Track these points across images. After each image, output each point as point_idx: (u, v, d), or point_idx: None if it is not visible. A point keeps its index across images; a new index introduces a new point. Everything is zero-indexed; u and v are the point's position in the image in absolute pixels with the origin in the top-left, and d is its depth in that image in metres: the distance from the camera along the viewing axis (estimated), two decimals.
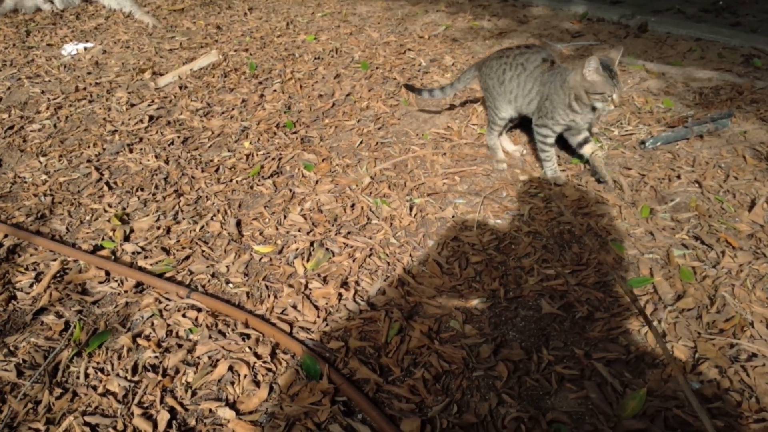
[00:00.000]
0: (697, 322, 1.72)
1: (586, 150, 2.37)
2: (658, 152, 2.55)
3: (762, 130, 2.65)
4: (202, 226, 2.30)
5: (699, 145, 2.57)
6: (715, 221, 2.10)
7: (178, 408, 1.58)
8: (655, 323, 1.71)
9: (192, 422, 1.54)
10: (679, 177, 2.35)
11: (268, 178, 2.58)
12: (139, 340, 1.80)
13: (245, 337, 1.78)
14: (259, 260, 2.11)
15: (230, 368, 1.68)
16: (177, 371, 1.69)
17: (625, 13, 4.29)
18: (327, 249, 2.13)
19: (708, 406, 1.48)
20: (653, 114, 2.86)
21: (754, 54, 3.51)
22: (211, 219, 2.34)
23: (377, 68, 3.64)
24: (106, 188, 2.58)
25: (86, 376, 1.70)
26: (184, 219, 2.35)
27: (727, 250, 1.96)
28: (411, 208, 2.32)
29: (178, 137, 2.96)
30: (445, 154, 2.67)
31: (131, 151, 2.87)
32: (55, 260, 2.16)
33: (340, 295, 1.92)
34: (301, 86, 3.46)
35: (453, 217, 2.26)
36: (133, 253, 2.18)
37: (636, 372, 1.58)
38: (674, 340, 1.66)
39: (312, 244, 2.16)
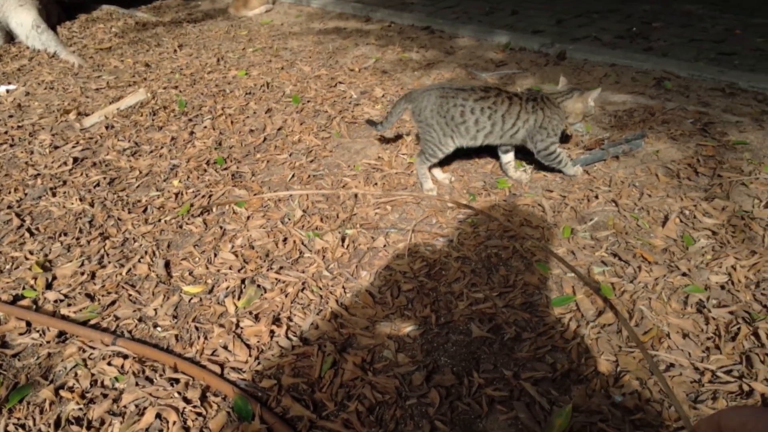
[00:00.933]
0: (617, 336, 1.79)
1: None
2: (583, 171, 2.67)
3: (673, 148, 2.82)
4: (129, 269, 2.24)
5: (615, 165, 2.71)
6: (632, 238, 2.21)
7: None
8: (578, 340, 1.78)
9: None
10: (597, 197, 2.47)
11: (198, 216, 2.55)
12: (62, 392, 1.72)
13: (174, 381, 1.73)
14: (189, 301, 2.07)
15: (158, 415, 1.63)
16: (102, 422, 1.63)
17: (545, 42, 4.49)
18: (259, 285, 2.11)
19: (631, 418, 1.53)
20: (572, 137, 3.00)
21: (665, 77, 3.74)
22: (139, 261, 2.28)
23: (309, 102, 3.68)
24: (27, 235, 2.49)
25: None
26: (109, 263, 2.28)
27: (643, 265, 2.06)
28: (343, 240, 2.33)
29: (104, 178, 2.89)
30: (376, 184, 2.71)
31: (54, 194, 2.78)
32: None
33: (272, 332, 1.90)
34: (232, 122, 3.45)
35: (385, 246, 2.29)
36: (55, 301, 2.10)
37: (562, 389, 1.63)
38: (597, 355, 1.72)
39: (243, 281, 2.14)
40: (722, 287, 1.95)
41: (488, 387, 1.65)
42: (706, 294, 1.92)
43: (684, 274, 2.01)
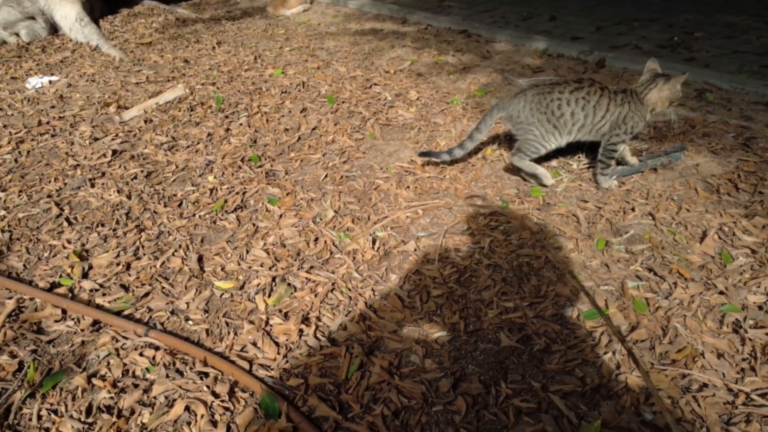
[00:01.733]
0: (650, 353, 1.76)
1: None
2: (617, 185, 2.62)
3: (713, 162, 2.75)
4: (163, 262, 2.28)
5: (653, 177, 2.66)
6: (668, 253, 2.16)
7: None
8: (609, 354, 1.75)
9: None
10: (633, 209, 2.42)
11: (232, 212, 2.58)
12: (95, 381, 1.76)
13: (203, 375, 1.76)
14: (220, 296, 2.10)
15: (187, 408, 1.65)
16: (132, 412, 1.66)
17: (583, 49, 4.44)
18: (289, 284, 2.13)
19: None
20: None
21: (707, 89, 3.66)
22: (173, 254, 2.32)
23: (343, 102, 3.69)
24: (65, 224, 2.55)
25: (39, 418, 1.66)
26: (144, 255, 2.33)
27: (679, 281, 2.02)
28: (374, 242, 2.34)
29: (142, 171, 2.95)
30: (408, 187, 2.71)
31: (93, 185, 2.85)
32: (10, 298, 2.11)
33: (300, 331, 1.91)
34: (267, 120, 3.48)
35: (415, 250, 2.28)
36: (91, 290, 2.15)
37: (591, 404, 1.61)
38: (628, 371, 1.69)
39: (274, 279, 2.16)
40: (760, 308, 1.90)
41: (516, 398, 1.64)
42: (743, 314, 1.87)
43: (721, 293, 1.96)
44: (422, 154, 2.83)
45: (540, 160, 2.67)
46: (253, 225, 2.49)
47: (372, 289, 2.09)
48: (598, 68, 4.11)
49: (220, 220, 2.53)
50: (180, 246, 2.37)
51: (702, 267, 2.09)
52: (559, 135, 2.53)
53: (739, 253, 2.15)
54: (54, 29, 5.68)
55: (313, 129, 3.36)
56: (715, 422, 1.54)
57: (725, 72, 3.92)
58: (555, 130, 2.51)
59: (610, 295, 1.98)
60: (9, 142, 3.35)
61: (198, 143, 3.23)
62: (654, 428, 1.53)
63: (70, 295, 2.13)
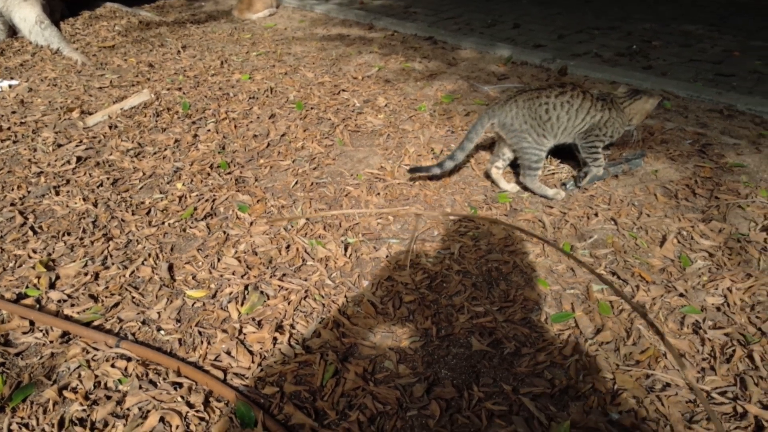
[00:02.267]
0: (615, 354, 1.83)
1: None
2: (577, 191, 2.70)
3: (671, 169, 2.86)
4: (133, 271, 2.26)
5: (614, 184, 2.75)
6: (630, 257, 2.25)
7: None
8: (576, 356, 1.81)
9: None
10: (596, 215, 2.51)
11: (202, 220, 2.57)
12: (66, 393, 1.74)
13: (177, 386, 1.75)
14: (192, 305, 2.09)
15: (161, 419, 1.65)
16: (106, 424, 1.65)
17: (546, 57, 4.55)
18: (262, 292, 2.14)
19: None
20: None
21: (664, 96, 3.79)
22: (142, 263, 2.30)
23: (312, 108, 3.71)
24: (30, 233, 2.50)
25: None
26: (113, 264, 2.30)
27: (641, 284, 2.10)
28: (346, 249, 2.36)
29: (108, 179, 2.91)
30: (378, 194, 2.74)
31: (58, 193, 2.79)
32: None
33: (275, 339, 1.92)
34: (235, 126, 3.47)
35: (387, 257, 2.31)
36: (59, 301, 2.11)
37: (560, 405, 1.66)
38: (594, 373, 1.75)
39: (246, 287, 2.16)
40: (718, 309, 1.99)
41: (488, 401, 1.68)
42: (703, 315, 1.96)
43: (681, 295, 2.05)
44: (412, 171, 2.78)
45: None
46: (224, 233, 2.48)
47: (345, 296, 2.11)
48: (561, 76, 4.22)
49: (190, 227, 2.52)
50: (149, 255, 2.34)
51: (662, 270, 2.18)
52: (546, 139, 2.58)
53: (697, 256, 2.25)
54: (12, 31, 5.53)
55: (282, 135, 3.36)
56: (678, 420, 1.61)
57: (682, 80, 4.08)
58: (544, 135, 2.56)
59: (576, 298, 2.05)
60: None
61: (165, 149, 3.20)
62: (621, 428, 1.59)
63: (38, 306, 2.10)
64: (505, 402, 1.68)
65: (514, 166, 2.81)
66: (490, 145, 3.14)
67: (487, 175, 2.81)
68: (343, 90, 4.01)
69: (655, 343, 1.85)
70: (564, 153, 2.93)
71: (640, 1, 6.60)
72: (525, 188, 2.70)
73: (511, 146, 2.63)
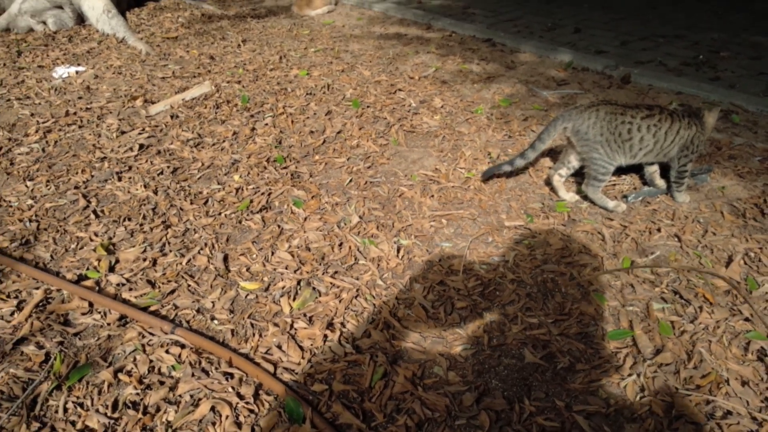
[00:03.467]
0: (674, 377, 1.76)
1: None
2: (638, 204, 2.62)
3: (739, 186, 2.74)
4: (189, 260, 2.30)
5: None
6: (694, 276, 2.16)
7: None
8: (634, 376, 1.75)
9: None
10: (659, 230, 2.42)
11: (257, 213, 2.60)
12: (121, 376, 1.78)
13: (229, 376, 1.77)
14: (245, 297, 2.12)
15: (212, 408, 1.67)
16: (158, 409, 1.68)
17: (609, 63, 4.43)
18: (314, 288, 2.14)
19: None
20: None
21: (733, 110, 3.64)
22: (198, 252, 2.34)
23: (368, 107, 3.71)
24: (92, 216, 2.58)
25: (65, 410, 1.68)
26: (170, 251, 2.35)
27: (704, 305, 2.01)
28: (398, 250, 2.35)
29: (168, 167, 2.97)
30: (432, 196, 2.72)
31: (120, 179, 2.88)
32: (38, 289, 2.14)
33: (325, 336, 1.93)
34: (292, 121, 3.50)
35: (440, 260, 2.29)
36: (117, 284, 2.17)
37: (615, 426, 1.61)
38: (652, 395, 1.69)
39: (299, 282, 2.17)
40: None
41: (539, 416, 1.64)
42: None
43: (746, 319, 1.96)
44: (485, 174, 2.78)
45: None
46: (278, 227, 2.50)
47: (396, 298, 2.10)
48: (624, 84, 4.10)
49: (246, 220, 2.55)
50: (206, 244, 2.38)
51: (728, 292, 2.08)
52: (621, 157, 2.52)
53: (764, 279, 2.14)
54: (81, 19, 5.74)
55: (338, 132, 3.37)
56: None
57: (751, 93, 3.90)
58: (618, 151, 2.50)
59: (635, 316, 1.98)
60: (37, 131, 3.39)
61: (224, 141, 3.25)
62: None
63: (97, 288, 2.16)
64: (558, 418, 1.63)
65: (576, 175, 2.74)
66: (549, 152, 3.07)
67: (548, 182, 2.75)
68: (400, 89, 4.00)
69: (717, 369, 1.77)
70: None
71: (708, 10, 6.36)
72: (585, 198, 2.63)
73: (579, 154, 2.57)
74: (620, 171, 2.89)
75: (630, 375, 1.75)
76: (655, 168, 2.72)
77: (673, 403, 1.67)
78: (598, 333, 1.92)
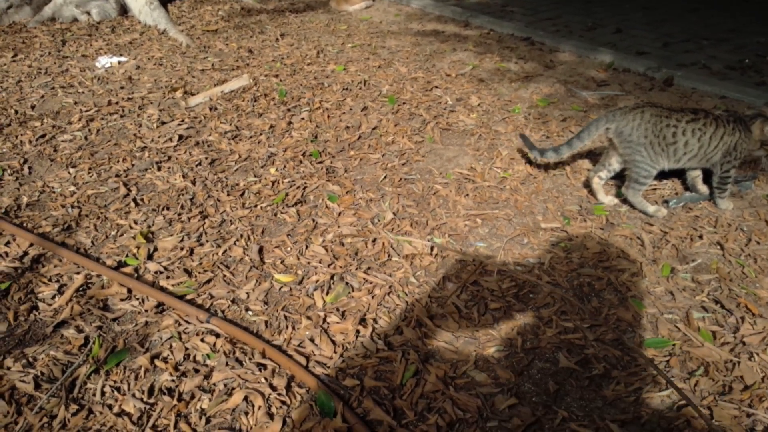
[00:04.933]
0: (713, 387, 1.71)
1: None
2: (680, 210, 2.56)
3: None
4: (225, 251, 2.33)
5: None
6: (736, 285, 2.10)
7: None
8: (671, 387, 1.71)
9: None
10: (701, 237, 2.36)
11: (292, 206, 2.62)
12: (157, 362, 1.81)
13: (262, 367, 1.79)
14: (279, 289, 2.13)
15: (245, 398, 1.69)
16: (192, 396, 1.70)
17: (651, 65, 4.33)
18: (347, 283, 2.15)
19: None
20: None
21: None
22: (234, 244, 2.37)
23: (404, 103, 3.70)
24: (132, 204, 2.63)
25: (102, 394, 1.71)
26: (207, 242, 2.38)
27: (746, 316, 1.96)
28: (432, 248, 2.34)
29: (206, 158, 3.01)
30: (467, 195, 2.70)
31: (159, 169, 2.93)
32: (78, 273, 2.20)
33: (357, 331, 1.93)
34: (328, 116, 3.51)
35: (473, 260, 2.27)
36: (155, 272, 2.21)
37: None
38: (690, 407, 1.65)
39: (332, 277, 2.18)
40: None
41: (573, 422, 1.62)
42: None
43: None
44: (522, 136, 2.78)
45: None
46: (313, 221, 2.51)
47: (429, 296, 2.09)
48: (666, 86, 4.01)
49: (281, 213, 2.57)
50: (241, 236, 2.41)
51: None
52: (664, 160, 2.48)
53: None
54: (124, 10, 5.85)
55: (374, 128, 3.37)
56: None
57: None
58: (662, 154, 2.45)
59: (674, 324, 1.94)
60: (80, 120, 3.46)
61: (260, 134, 3.28)
62: None
63: (136, 275, 2.20)
64: (592, 425, 1.61)
65: (615, 178, 2.69)
66: (588, 154, 3.02)
67: (587, 185, 2.71)
68: (436, 87, 3.98)
69: (759, 381, 1.72)
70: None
71: (754, 13, 6.17)
72: (625, 201, 2.58)
73: (621, 156, 2.52)
74: (662, 175, 2.82)
75: (667, 385, 1.71)
76: (698, 173, 2.65)
77: (711, 414, 1.63)
78: (636, 340, 1.88)
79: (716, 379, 1.74)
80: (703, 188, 2.63)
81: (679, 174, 2.76)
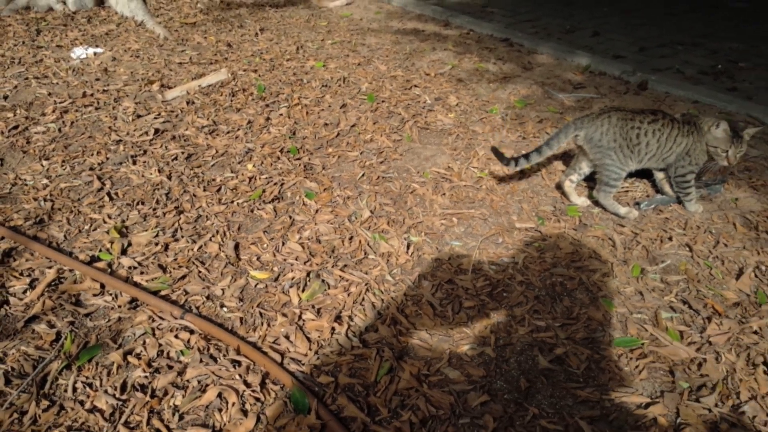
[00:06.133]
0: (680, 386, 1.76)
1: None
2: (651, 212, 2.61)
3: (753, 198, 2.73)
4: (201, 246, 2.32)
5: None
6: (704, 286, 2.16)
7: (164, 431, 1.58)
8: (640, 383, 1.75)
9: None
10: (670, 239, 2.41)
11: (269, 202, 2.61)
12: (130, 358, 1.80)
13: (236, 363, 1.79)
14: (255, 286, 2.13)
15: (219, 395, 1.69)
16: (165, 393, 1.70)
17: (626, 69, 4.40)
18: (323, 280, 2.16)
19: None
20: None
21: (749, 122, 3.62)
22: (210, 240, 2.36)
23: (383, 102, 3.71)
24: (106, 198, 2.60)
25: (74, 390, 1.70)
26: (182, 237, 2.36)
27: (713, 316, 2.01)
28: (408, 246, 2.35)
29: (182, 153, 2.99)
30: (444, 194, 2.72)
31: (134, 163, 2.89)
32: (50, 268, 2.17)
33: (333, 328, 1.94)
34: (307, 113, 3.51)
35: (449, 259, 2.29)
36: (129, 267, 2.19)
37: None
38: (658, 404, 1.69)
39: (308, 274, 2.19)
40: None
41: (543, 419, 1.65)
42: None
43: (755, 332, 1.95)
44: (494, 150, 2.68)
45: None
46: (290, 217, 2.51)
47: (404, 294, 2.11)
48: (640, 90, 4.08)
49: (258, 209, 2.56)
50: (217, 231, 2.40)
51: (737, 304, 2.08)
52: (632, 162, 2.54)
53: None
54: (100, 0, 5.75)
55: (352, 126, 3.37)
56: None
57: None
58: (630, 156, 2.51)
59: (643, 324, 1.98)
60: (53, 111, 3.41)
61: (238, 130, 3.27)
62: None
63: (109, 270, 2.18)
64: (561, 422, 1.64)
65: (588, 180, 2.74)
66: (563, 156, 3.07)
67: (559, 187, 2.75)
68: (415, 86, 3.99)
69: (729, 381, 1.77)
70: (639, 171, 2.83)
71: (727, 19, 6.30)
72: (597, 203, 2.62)
73: (592, 161, 2.56)
74: (633, 177, 2.88)
75: (635, 383, 1.76)
76: (663, 175, 2.71)
77: (677, 411, 1.68)
78: (605, 339, 1.92)
79: (684, 378, 1.78)
80: (671, 190, 2.69)
81: (650, 176, 2.81)
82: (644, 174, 2.83)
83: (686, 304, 2.07)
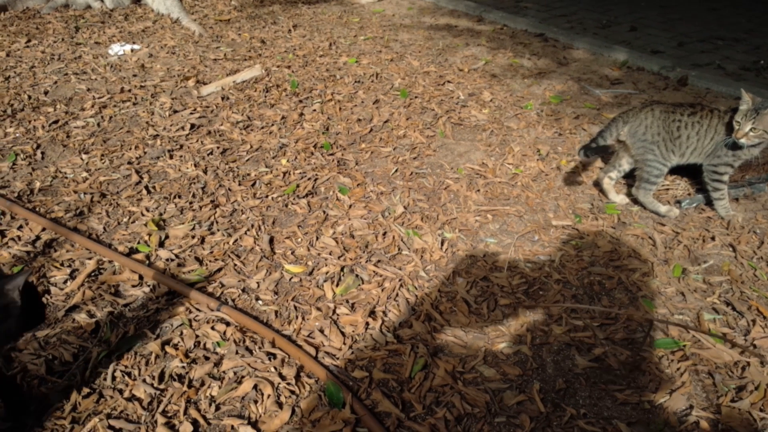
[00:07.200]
0: (724, 390, 1.71)
1: None
2: (692, 210, 2.54)
3: None
4: (236, 240, 2.33)
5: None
6: (748, 288, 2.09)
7: (201, 421, 1.60)
8: (681, 387, 1.70)
9: None
10: (713, 239, 2.35)
11: (303, 197, 2.62)
12: (168, 348, 1.83)
13: (271, 356, 1.80)
14: (290, 280, 2.14)
15: (255, 386, 1.70)
16: (202, 383, 1.72)
17: (665, 64, 4.30)
18: (357, 275, 2.15)
19: None
20: None
21: None
22: (245, 233, 2.37)
23: (416, 97, 3.69)
24: (144, 192, 2.64)
25: (113, 378, 1.73)
26: (218, 230, 2.39)
27: (757, 318, 1.95)
28: (442, 243, 2.34)
29: (218, 148, 3.02)
30: (478, 190, 2.69)
31: (171, 157, 2.93)
32: (90, 259, 2.21)
33: (367, 323, 1.93)
34: (340, 108, 3.51)
35: (484, 256, 2.27)
36: (167, 259, 2.22)
37: None
38: (699, 408, 1.65)
39: (342, 268, 2.18)
40: None
41: (581, 419, 1.62)
42: None
43: None
44: (581, 151, 2.63)
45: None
46: (324, 212, 2.52)
47: (439, 291, 2.09)
48: (680, 86, 3.98)
49: (292, 204, 2.57)
50: (252, 225, 2.42)
51: None
52: (674, 156, 2.47)
53: None
54: None
55: (385, 122, 3.36)
56: None
57: None
58: (673, 150, 2.45)
59: (685, 325, 1.93)
60: (92, 106, 3.48)
61: (272, 125, 3.29)
62: None
63: (148, 262, 2.21)
64: (599, 424, 1.61)
65: (626, 177, 2.68)
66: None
67: (597, 184, 2.70)
68: (448, 81, 3.96)
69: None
70: (680, 169, 2.76)
71: None
72: (636, 201, 2.56)
73: (633, 156, 2.50)
74: (675, 174, 2.81)
75: (677, 386, 1.71)
76: None
77: (719, 414, 1.63)
78: (646, 340, 1.87)
79: (727, 382, 1.73)
80: None
81: (693, 174, 2.74)
82: (686, 172, 2.75)
83: (730, 306, 2.01)
